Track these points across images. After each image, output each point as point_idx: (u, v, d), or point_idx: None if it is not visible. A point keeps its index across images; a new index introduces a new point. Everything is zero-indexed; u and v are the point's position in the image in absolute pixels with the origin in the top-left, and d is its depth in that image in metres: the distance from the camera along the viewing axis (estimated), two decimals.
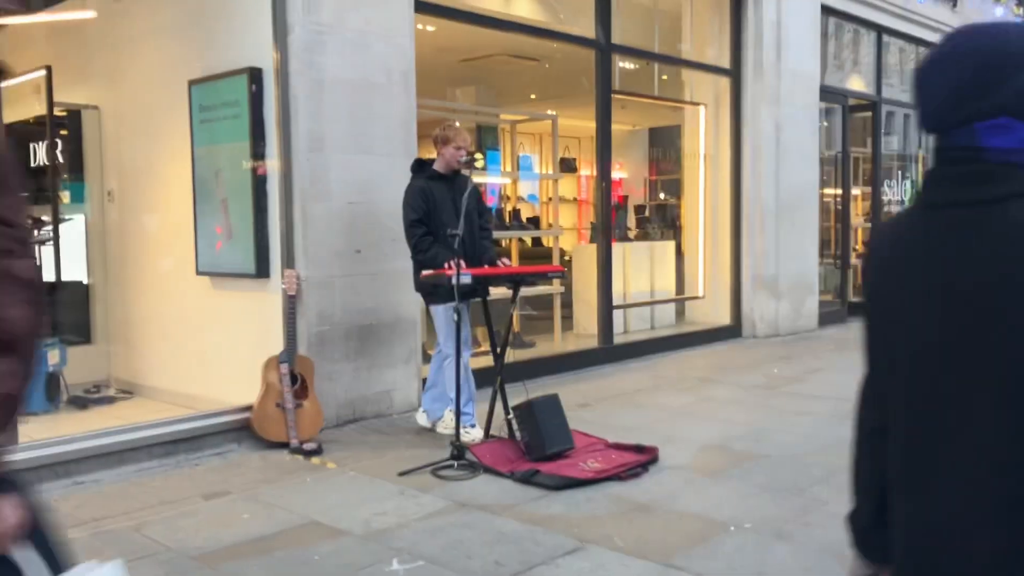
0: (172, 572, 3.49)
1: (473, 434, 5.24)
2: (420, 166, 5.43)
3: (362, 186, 5.81)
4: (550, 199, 9.29)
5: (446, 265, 4.88)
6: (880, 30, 11.64)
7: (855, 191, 11.75)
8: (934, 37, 12.51)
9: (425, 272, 5.06)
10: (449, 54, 9.24)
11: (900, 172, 12.48)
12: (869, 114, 11.77)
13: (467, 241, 5.12)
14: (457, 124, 5.74)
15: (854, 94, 11.33)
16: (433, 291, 5.26)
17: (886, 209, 12.10)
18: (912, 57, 12.81)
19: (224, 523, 4.02)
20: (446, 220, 5.16)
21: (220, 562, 3.57)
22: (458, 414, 5.01)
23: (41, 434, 4.83)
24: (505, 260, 5.55)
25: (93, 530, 3.94)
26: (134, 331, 6.64)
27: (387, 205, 5.89)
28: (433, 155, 5.47)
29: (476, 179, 6.08)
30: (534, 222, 11.38)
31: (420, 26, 6.56)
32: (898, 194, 12.38)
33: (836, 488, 4.42)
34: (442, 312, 5.33)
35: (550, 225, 9.38)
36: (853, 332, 10.05)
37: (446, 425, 5.36)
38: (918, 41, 12.49)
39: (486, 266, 5.34)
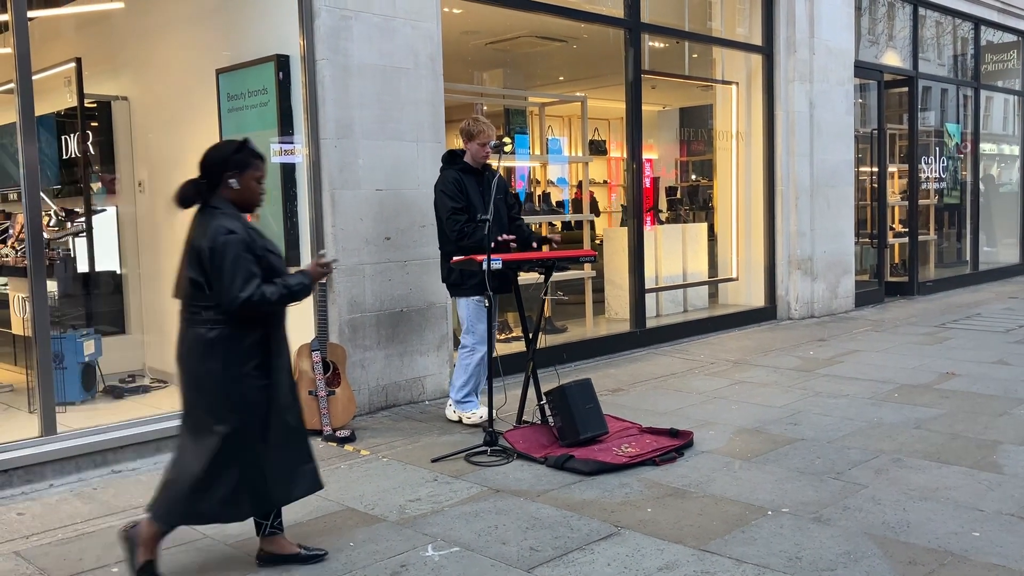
0: (210, 559, 3.51)
1: (480, 411, 5.29)
2: (452, 158, 5.40)
3: (390, 172, 5.78)
4: (580, 182, 9.20)
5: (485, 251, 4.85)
6: (916, 3, 11.37)
7: (891, 169, 11.53)
8: (971, 9, 12.22)
9: (456, 258, 5.04)
10: (476, 37, 9.18)
11: (937, 149, 12.21)
12: (905, 90, 11.53)
13: (496, 229, 5.08)
14: (482, 116, 5.68)
15: (890, 69, 11.10)
16: (461, 282, 5.23)
17: (924, 187, 11.86)
18: (949, 30, 12.50)
19: None
20: (477, 211, 5.15)
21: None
22: (491, 404, 4.97)
23: (79, 423, 4.89)
24: (556, 236, 5.51)
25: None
26: (167, 320, 6.66)
27: (416, 192, 5.87)
28: (461, 144, 5.44)
29: (505, 163, 6.03)
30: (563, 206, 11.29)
31: (446, 9, 6.52)
32: (936, 171, 12.12)
33: (874, 471, 4.34)
34: (466, 304, 5.30)
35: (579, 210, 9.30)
36: (890, 313, 9.90)
37: (480, 416, 5.33)
38: (955, 13, 12.19)
39: (534, 244, 5.33)
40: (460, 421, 5.46)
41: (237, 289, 3.11)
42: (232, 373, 3.18)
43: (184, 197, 3.30)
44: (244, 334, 3.20)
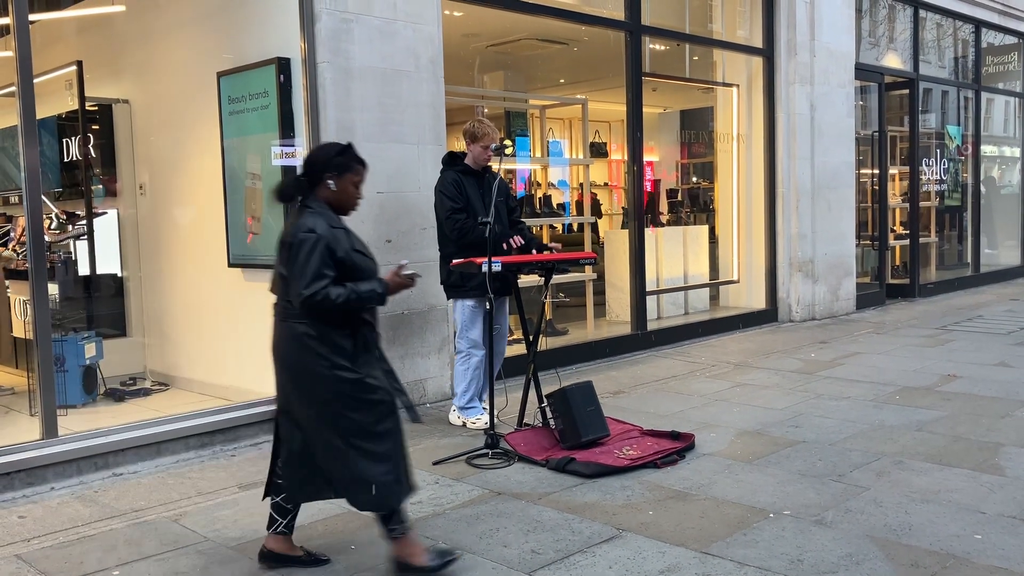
0: (211, 562, 3.51)
1: (484, 417, 5.25)
2: (452, 159, 5.41)
3: (392, 175, 5.78)
4: (581, 185, 9.22)
5: (485, 254, 4.84)
6: (917, 5, 11.38)
7: (892, 171, 11.53)
8: (972, 11, 12.22)
9: (456, 260, 5.04)
10: (476, 40, 9.19)
11: (938, 151, 12.21)
12: (906, 92, 11.53)
13: (497, 231, 5.08)
14: (486, 119, 5.68)
15: (890, 72, 11.10)
16: (461, 284, 5.23)
17: (924, 189, 11.86)
18: (950, 32, 12.50)
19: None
20: (477, 213, 5.15)
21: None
22: (492, 406, 4.97)
23: (80, 426, 4.89)
24: (556, 245, 5.50)
25: (132, 521, 3.98)
26: (168, 323, 6.69)
27: (417, 194, 5.87)
28: (462, 146, 5.44)
29: (506, 166, 6.02)
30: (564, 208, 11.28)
31: (447, 12, 6.52)
32: (936, 173, 12.12)
33: (876, 473, 4.34)
34: (460, 308, 5.29)
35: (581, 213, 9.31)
36: (892, 315, 9.89)
37: (483, 420, 5.32)
38: (956, 16, 12.19)
39: (534, 251, 5.32)
40: (464, 426, 5.46)
41: (302, 286, 3.18)
42: (324, 364, 3.23)
43: (284, 191, 3.41)
44: (332, 329, 3.26)
